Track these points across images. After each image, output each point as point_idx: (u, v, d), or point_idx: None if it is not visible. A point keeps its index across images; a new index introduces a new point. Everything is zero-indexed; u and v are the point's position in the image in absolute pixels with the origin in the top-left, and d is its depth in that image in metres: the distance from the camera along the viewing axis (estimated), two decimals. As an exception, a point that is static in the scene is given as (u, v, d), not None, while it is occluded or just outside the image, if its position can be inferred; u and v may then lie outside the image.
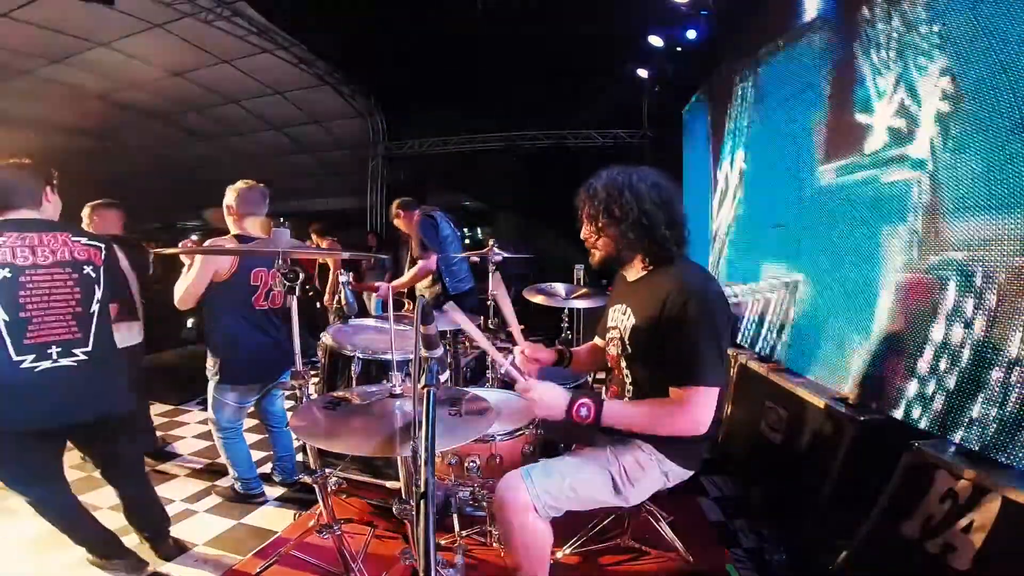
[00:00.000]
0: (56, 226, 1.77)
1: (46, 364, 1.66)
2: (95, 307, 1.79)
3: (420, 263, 3.25)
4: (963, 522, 1.40)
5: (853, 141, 2.15)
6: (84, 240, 1.80)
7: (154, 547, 2.06)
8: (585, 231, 1.60)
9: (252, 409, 2.56)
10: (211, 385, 2.39)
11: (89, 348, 1.76)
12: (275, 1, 5.31)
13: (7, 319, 1.61)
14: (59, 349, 1.69)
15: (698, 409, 1.38)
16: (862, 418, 1.89)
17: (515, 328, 1.78)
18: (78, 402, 1.75)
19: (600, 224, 1.53)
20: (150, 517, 2.09)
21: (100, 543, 1.93)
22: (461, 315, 1.34)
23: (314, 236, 5.30)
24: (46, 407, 1.69)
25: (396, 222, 3.62)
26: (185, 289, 2.21)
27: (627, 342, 1.55)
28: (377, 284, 3.42)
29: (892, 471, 1.68)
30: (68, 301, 1.72)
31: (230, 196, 2.37)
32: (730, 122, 2.98)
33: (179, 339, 4.69)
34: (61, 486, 1.87)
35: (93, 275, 1.79)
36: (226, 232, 2.40)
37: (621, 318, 1.59)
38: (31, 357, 1.64)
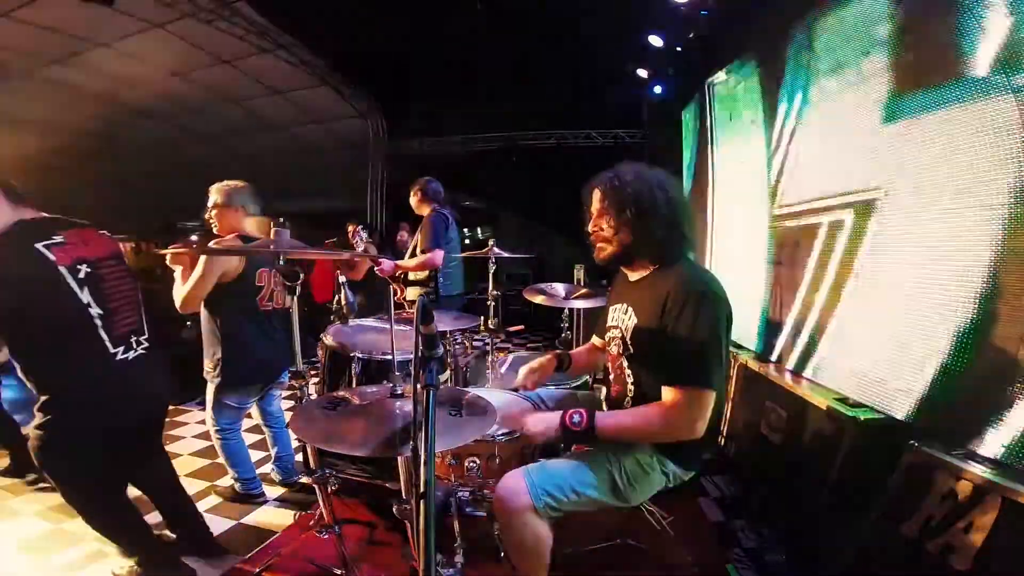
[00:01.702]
0: (82, 223, 1.78)
1: (131, 354, 1.73)
2: (140, 296, 1.86)
3: (427, 255, 3.26)
4: (963, 522, 1.41)
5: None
6: (107, 235, 1.85)
7: (204, 557, 2.03)
8: (598, 223, 1.57)
9: (249, 410, 2.56)
10: (210, 387, 2.37)
11: (146, 335, 1.83)
12: (275, 1, 5.31)
13: (101, 312, 1.65)
14: (135, 338, 1.76)
15: (689, 411, 1.37)
16: (862, 418, 1.89)
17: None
18: (157, 390, 1.83)
19: (624, 218, 1.50)
20: (195, 529, 2.07)
21: (154, 554, 1.87)
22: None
23: (351, 228, 5.32)
24: (140, 396, 1.74)
25: (412, 200, 3.57)
26: (190, 291, 2.17)
27: (629, 342, 1.55)
28: (382, 260, 3.41)
29: (892, 471, 1.68)
30: (129, 290, 1.80)
31: (222, 196, 2.35)
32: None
33: (179, 339, 4.68)
34: (126, 494, 1.87)
35: (128, 266, 1.87)
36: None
37: (623, 317, 1.59)
38: (121, 348, 1.70)
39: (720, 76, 3.63)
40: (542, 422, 1.49)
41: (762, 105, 3.00)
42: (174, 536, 2.06)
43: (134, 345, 1.74)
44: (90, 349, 1.64)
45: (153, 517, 2.07)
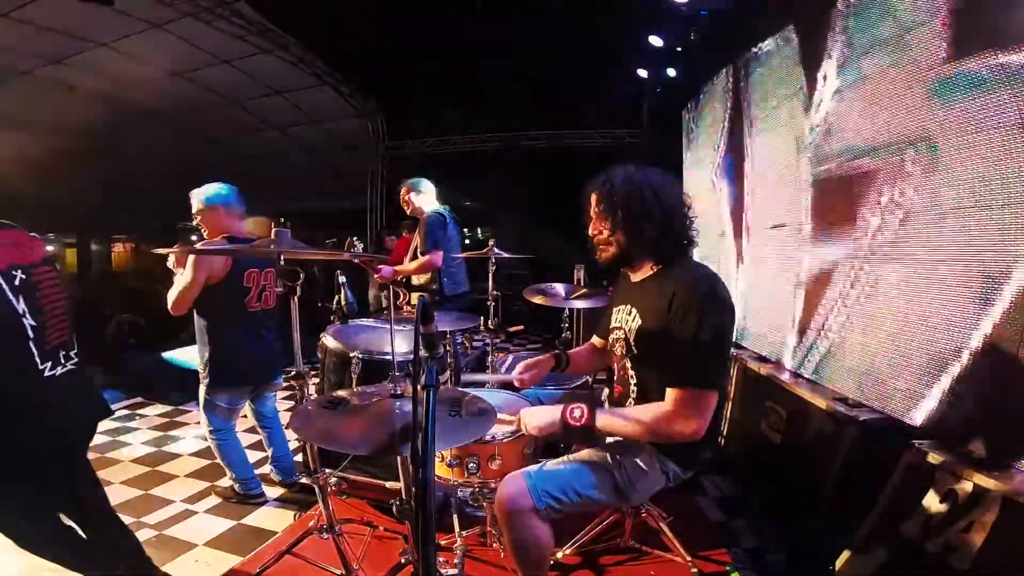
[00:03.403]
0: (7, 224, 1.58)
1: (59, 370, 1.56)
2: (68, 307, 1.66)
3: (426, 257, 3.22)
4: (963, 522, 1.41)
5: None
6: (38, 237, 1.65)
7: None
8: (596, 228, 1.58)
9: (245, 412, 2.56)
10: (202, 388, 2.38)
11: (75, 349, 1.66)
12: (275, 1, 5.31)
13: (35, 324, 1.49)
14: (64, 353, 1.60)
15: (694, 412, 1.37)
16: (862, 418, 1.89)
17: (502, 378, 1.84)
18: (86, 408, 1.67)
19: (617, 221, 1.51)
20: (127, 547, 1.84)
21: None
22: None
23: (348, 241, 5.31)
24: (65, 416, 1.59)
25: (404, 205, 3.48)
26: (180, 293, 2.19)
27: (632, 343, 1.55)
28: (380, 265, 3.37)
29: (892, 471, 1.68)
30: (60, 300, 1.62)
31: (200, 202, 2.35)
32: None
33: (179, 339, 4.69)
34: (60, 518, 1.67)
35: (60, 272, 1.68)
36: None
37: (626, 319, 1.59)
38: (49, 364, 1.53)
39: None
40: (542, 417, 1.48)
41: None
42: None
43: (62, 360, 1.58)
44: (18, 365, 1.47)
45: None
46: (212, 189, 2.38)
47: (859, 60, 2.24)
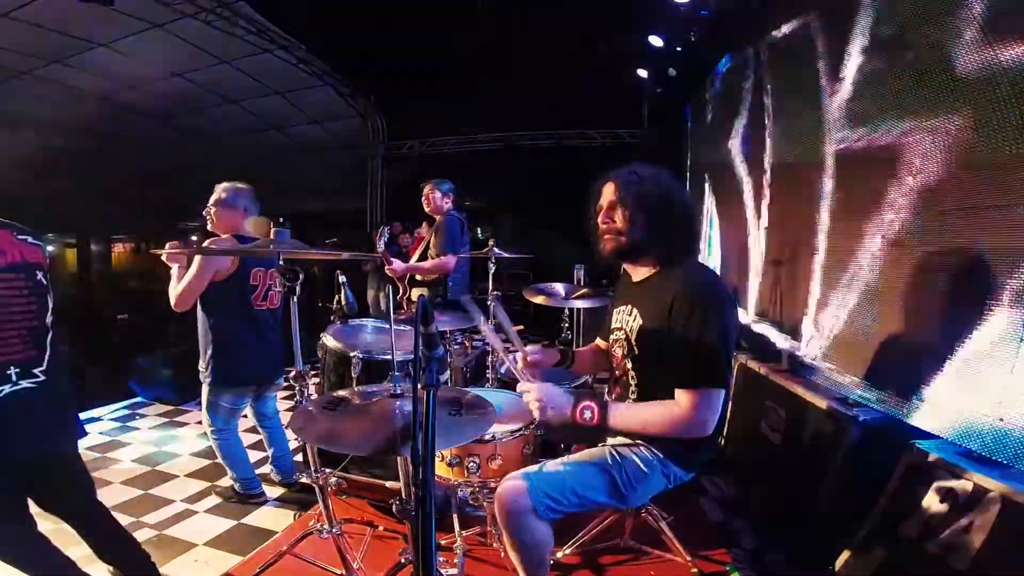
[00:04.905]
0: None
1: (7, 388, 1.44)
2: (49, 318, 1.57)
3: (440, 260, 3.20)
4: (963, 522, 1.40)
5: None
6: (30, 239, 1.55)
7: None
8: (609, 215, 1.54)
9: (245, 412, 2.56)
10: (204, 388, 2.38)
11: (44, 367, 1.54)
12: (275, 1, 5.32)
13: None
14: (18, 370, 1.47)
15: (704, 411, 1.38)
16: (862, 418, 1.89)
17: (517, 343, 1.71)
18: (42, 432, 1.57)
19: (638, 212, 1.50)
20: (129, 554, 1.83)
21: None
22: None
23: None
24: (14, 439, 1.48)
25: (424, 201, 3.41)
26: (184, 289, 2.19)
27: (634, 343, 1.55)
28: (393, 259, 3.34)
29: (892, 471, 1.68)
30: (25, 313, 1.50)
31: (226, 194, 2.36)
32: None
33: (179, 338, 4.69)
34: (30, 527, 1.61)
35: (44, 281, 1.57)
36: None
37: (627, 319, 1.59)
38: None
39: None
40: (550, 408, 1.43)
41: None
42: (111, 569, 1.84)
43: (14, 378, 1.46)
44: None
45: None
46: (237, 187, 2.38)
47: (875, 52, 2.19)
